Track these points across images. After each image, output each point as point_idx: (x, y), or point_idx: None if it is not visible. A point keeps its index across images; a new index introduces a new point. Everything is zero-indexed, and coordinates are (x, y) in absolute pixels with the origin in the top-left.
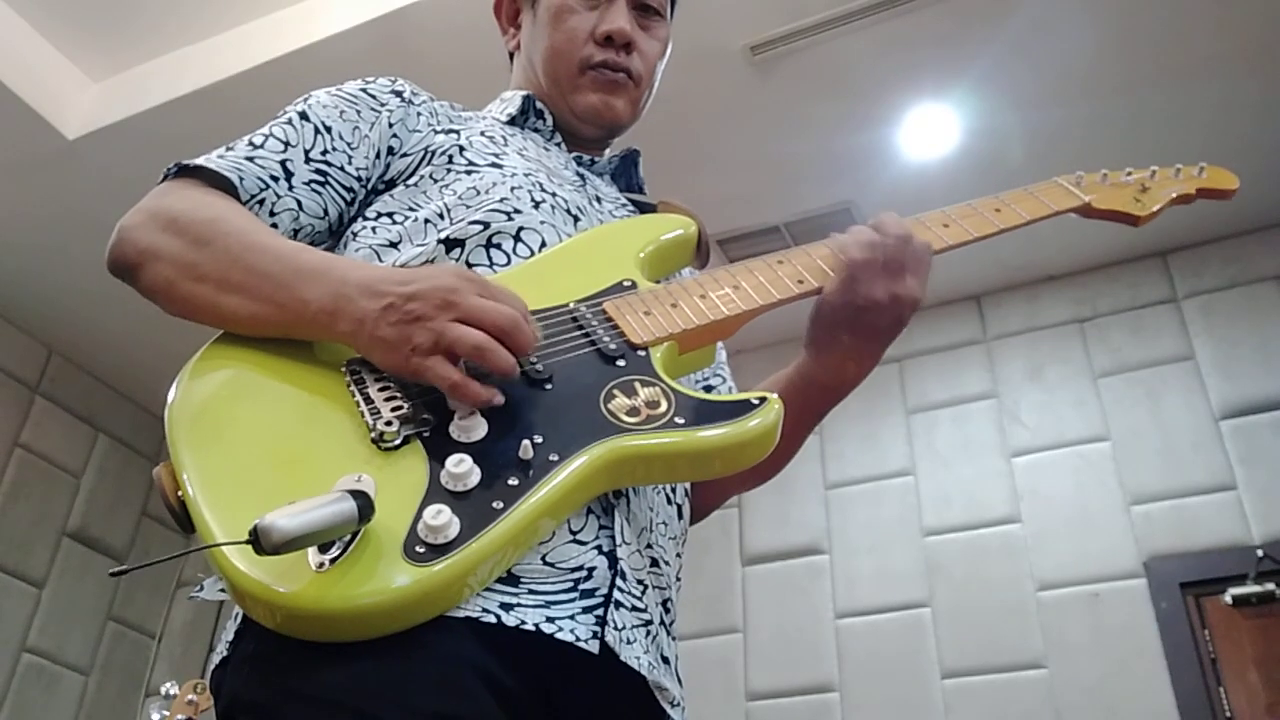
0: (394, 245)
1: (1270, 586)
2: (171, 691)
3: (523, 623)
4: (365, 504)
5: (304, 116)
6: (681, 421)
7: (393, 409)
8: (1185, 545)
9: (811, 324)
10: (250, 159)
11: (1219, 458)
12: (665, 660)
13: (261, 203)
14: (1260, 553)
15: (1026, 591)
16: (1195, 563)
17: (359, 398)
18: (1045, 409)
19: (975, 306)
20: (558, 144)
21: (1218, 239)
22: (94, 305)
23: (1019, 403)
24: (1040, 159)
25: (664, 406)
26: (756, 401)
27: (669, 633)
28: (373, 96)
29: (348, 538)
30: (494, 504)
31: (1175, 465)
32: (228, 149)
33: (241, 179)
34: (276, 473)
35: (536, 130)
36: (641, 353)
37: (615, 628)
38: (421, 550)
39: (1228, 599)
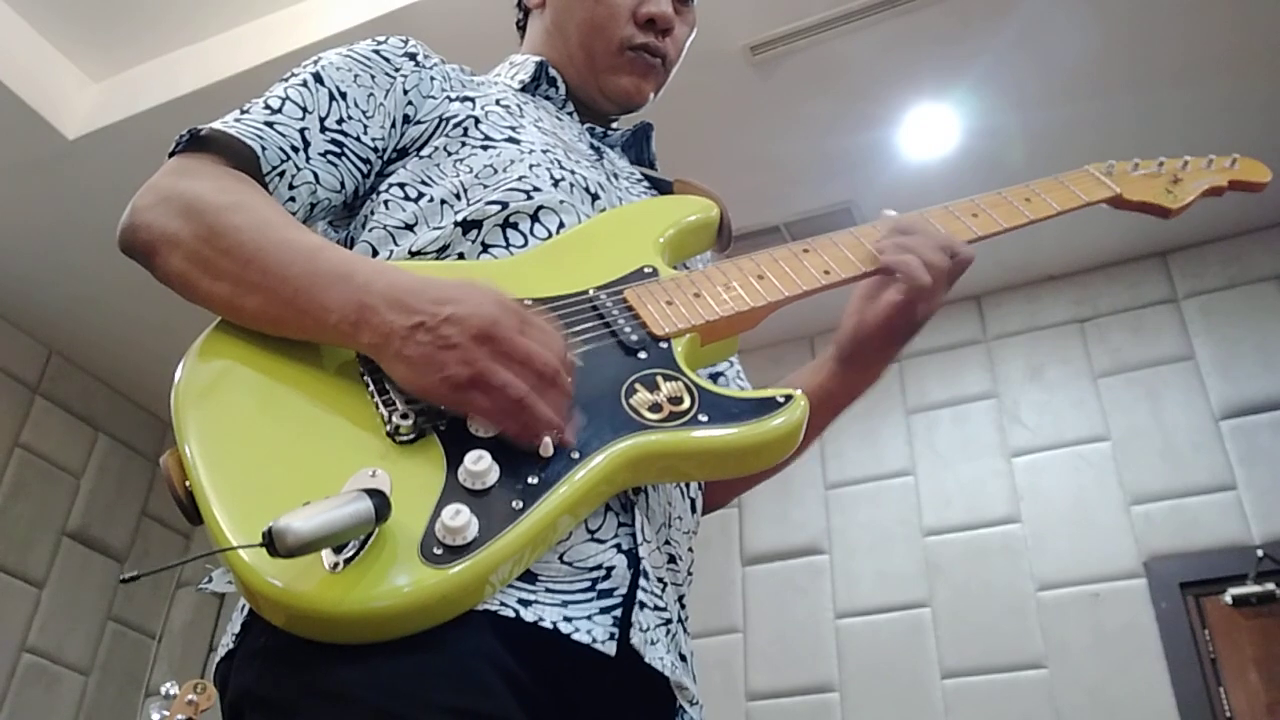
0: (409, 228)
1: (1270, 586)
2: (171, 691)
3: (540, 619)
4: (382, 503)
5: (318, 80)
6: (705, 419)
7: (407, 400)
8: (1185, 545)
9: (858, 344)
10: (270, 125)
11: (1219, 458)
12: (683, 658)
13: (282, 175)
14: (1260, 553)
15: (1026, 591)
16: (1195, 563)
17: (373, 388)
18: (1045, 409)
19: (975, 306)
20: (569, 114)
21: (1218, 239)
22: (94, 305)
23: (1019, 403)
24: (1041, 159)
25: (687, 403)
26: (782, 400)
27: (685, 629)
28: (386, 60)
29: (363, 536)
30: (514, 504)
31: (1175, 465)
32: (243, 112)
33: (264, 149)
34: (288, 464)
35: (548, 98)
36: (664, 344)
37: (640, 629)
38: (439, 552)
39: (1228, 599)
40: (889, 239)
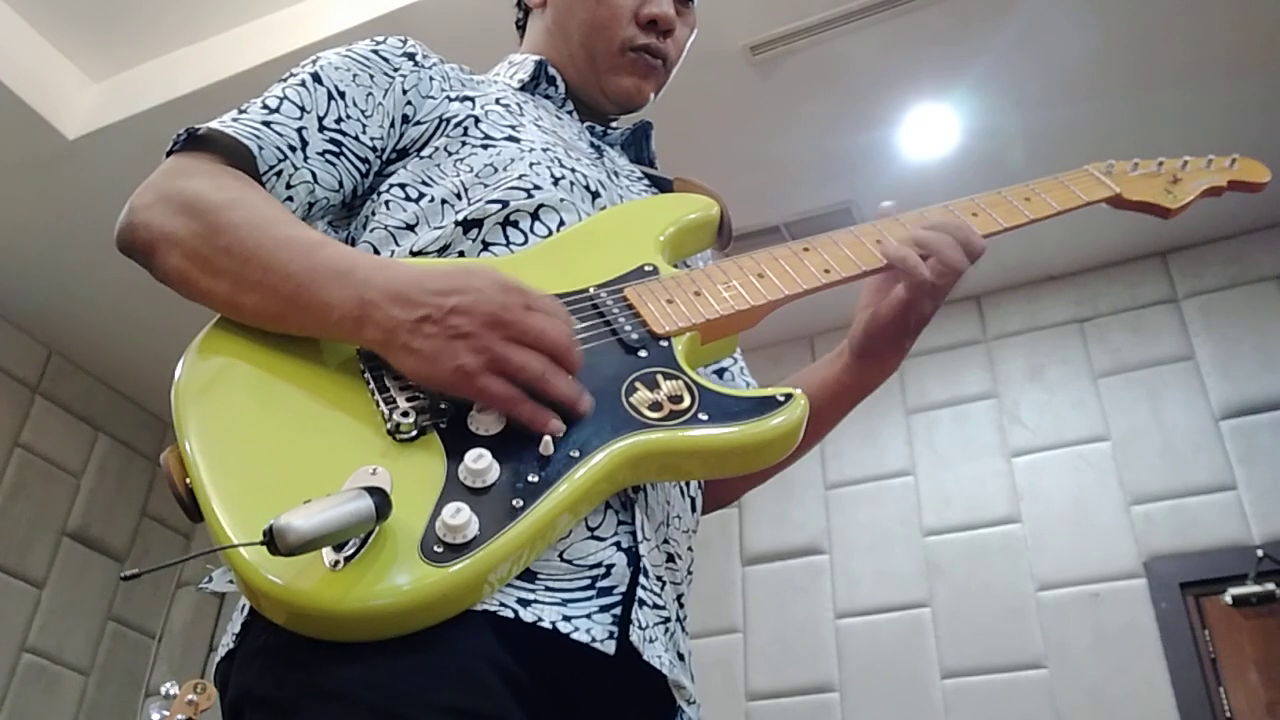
0: (410, 228)
1: (1270, 586)
2: (171, 691)
3: (540, 619)
4: (382, 502)
5: (317, 79)
6: (705, 418)
7: (409, 399)
8: (1185, 545)
9: (870, 337)
10: (267, 124)
11: (1219, 458)
12: (681, 657)
13: (279, 174)
14: (1260, 553)
15: (1026, 591)
16: (1195, 563)
17: (374, 386)
18: (1045, 409)
19: (975, 306)
20: (569, 112)
21: (1218, 239)
22: (94, 305)
23: (1019, 403)
24: (1041, 159)
25: (687, 401)
26: (782, 398)
27: (683, 628)
28: (385, 60)
29: (363, 534)
30: (514, 502)
31: (1175, 465)
32: (240, 111)
33: (261, 148)
34: (289, 461)
35: (548, 97)
36: (664, 343)
37: (640, 626)
38: (439, 550)
39: (1228, 599)
40: (915, 232)
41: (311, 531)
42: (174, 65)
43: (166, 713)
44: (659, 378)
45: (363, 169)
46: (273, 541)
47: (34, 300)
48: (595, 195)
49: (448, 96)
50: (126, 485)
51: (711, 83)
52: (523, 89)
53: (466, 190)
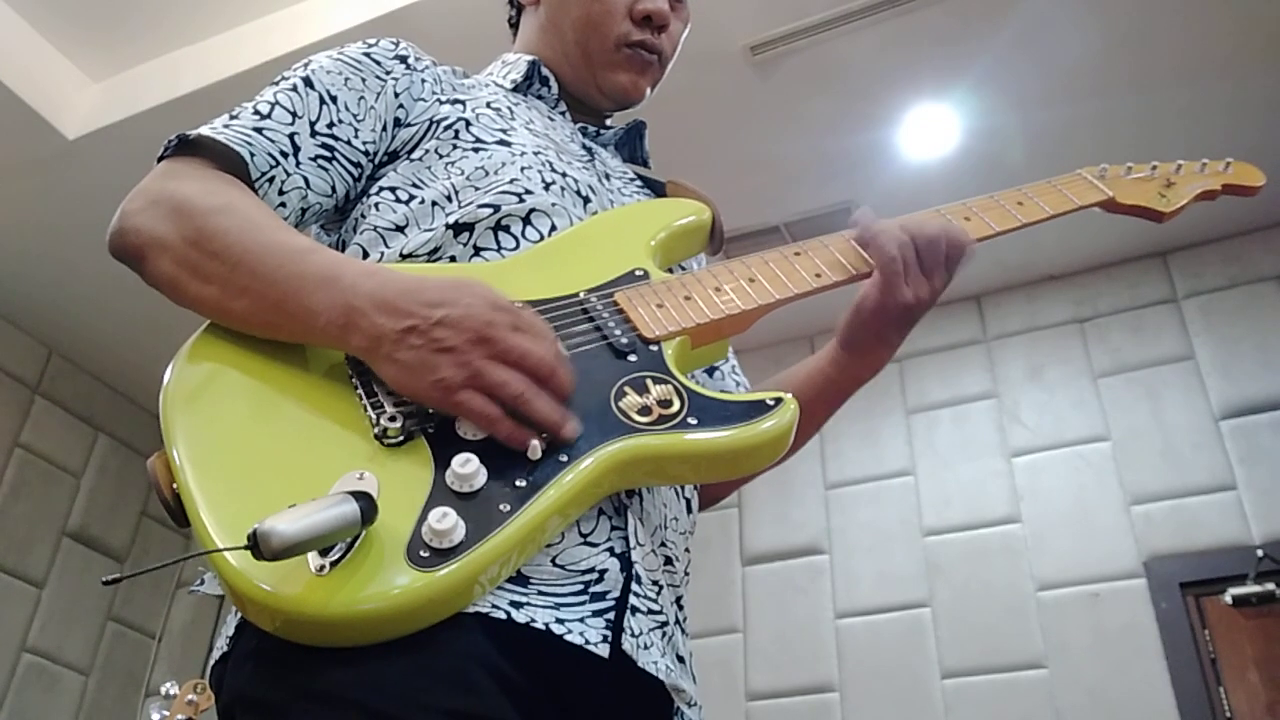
0: (400, 229)
1: (1270, 586)
2: (171, 691)
3: (532, 621)
4: (368, 506)
5: (308, 84)
6: (694, 422)
7: (396, 404)
8: (1185, 545)
9: (853, 327)
10: (259, 130)
11: (1219, 458)
12: (680, 660)
13: (271, 180)
14: (1260, 553)
15: (1026, 591)
16: (1195, 563)
17: (361, 390)
18: (1045, 409)
19: (975, 306)
20: (562, 113)
21: (1218, 239)
22: (94, 305)
23: (1019, 403)
24: (1041, 159)
25: (676, 405)
26: (772, 403)
27: (683, 630)
28: (377, 63)
29: (349, 539)
30: (501, 506)
31: (1175, 465)
32: (232, 117)
33: (252, 155)
34: (275, 466)
35: (540, 98)
36: (654, 347)
37: (632, 634)
38: (426, 554)
39: (1228, 599)
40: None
41: (296, 536)
42: (174, 65)
43: (166, 713)
44: (648, 382)
45: (355, 173)
46: (257, 546)
47: (34, 300)
48: (586, 200)
49: (438, 99)
50: (126, 485)
51: (711, 83)
52: (515, 90)
53: (457, 193)
